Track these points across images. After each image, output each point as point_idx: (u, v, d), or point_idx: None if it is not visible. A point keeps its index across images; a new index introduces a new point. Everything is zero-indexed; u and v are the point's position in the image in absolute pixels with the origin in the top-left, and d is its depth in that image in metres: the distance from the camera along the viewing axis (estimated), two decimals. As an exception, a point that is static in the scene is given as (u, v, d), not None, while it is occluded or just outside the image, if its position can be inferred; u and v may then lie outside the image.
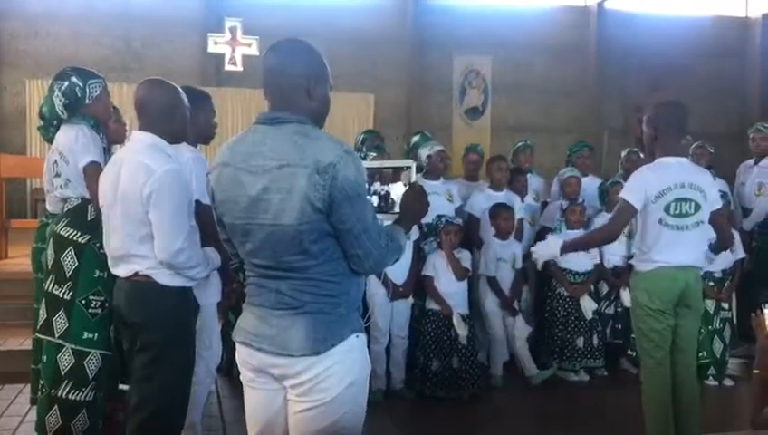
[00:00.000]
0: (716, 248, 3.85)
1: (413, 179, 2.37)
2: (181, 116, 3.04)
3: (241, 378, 2.23)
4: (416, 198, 2.34)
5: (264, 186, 2.02)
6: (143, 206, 2.85)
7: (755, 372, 2.28)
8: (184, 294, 2.98)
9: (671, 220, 3.54)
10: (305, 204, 1.96)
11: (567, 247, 3.91)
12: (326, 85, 2.18)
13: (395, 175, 2.40)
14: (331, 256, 2.05)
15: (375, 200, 2.39)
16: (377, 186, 2.41)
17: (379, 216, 2.30)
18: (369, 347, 4.91)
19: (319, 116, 2.16)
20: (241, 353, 2.20)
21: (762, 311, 2.32)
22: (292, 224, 1.98)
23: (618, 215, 3.65)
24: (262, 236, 2.05)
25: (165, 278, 2.92)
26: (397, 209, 2.37)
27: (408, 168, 2.40)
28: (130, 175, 2.90)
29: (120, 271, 3.02)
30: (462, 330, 4.89)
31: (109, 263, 3.08)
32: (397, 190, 2.39)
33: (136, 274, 2.96)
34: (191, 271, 2.93)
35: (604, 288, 5.59)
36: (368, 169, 2.35)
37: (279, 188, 1.99)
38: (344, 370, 2.07)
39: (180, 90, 3.10)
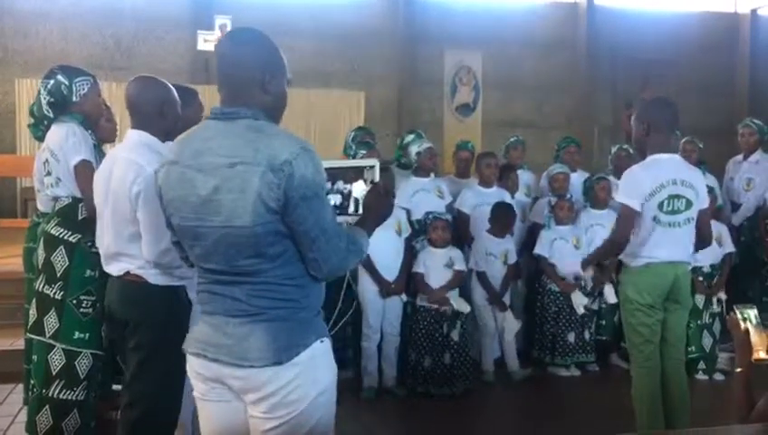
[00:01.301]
0: (695, 247, 3.78)
1: (376, 179, 2.25)
2: (173, 113, 3.03)
3: (194, 393, 2.09)
4: (379, 198, 2.21)
5: (216, 185, 1.89)
6: (132, 204, 2.84)
7: (738, 370, 2.30)
8: (175, 293, 2.97)
9: (664, 217, 3.55)
10: (259, 204, 1.84)
11: (586, 264, 4.69)
12: (283, 79, 2.05)
13: (357, 174, 2.28)
14: (289, 258, 1.92)
15: (338, 199, 2.28)
16: (340, 184, 2.29)
17: (341, 217, 2.21)
18: (360, 344, 4.98)
19: (275, 111, 2.04)
20: (193, 365, 2.05)
21: (735, 311, 2.34)
22: (246, 226, 1.86)
23: (622, 221, 3.63)
24: (213, 239, 1.92)
25: (155, 278, 2.92)
26: (357, 210, 2.25)
27: (372, 167, 2.28)
28: (121, 173, 2.90)
29: (112, 269, 3.02)
30: (463, 307, 4.89)
31: (102, 261, 3.08)
32: (358, 190, 2.28)
33: (127, 273, 2.96)
34: (179, 270, 2.93)
35: (590, 284, 5.62)
36: (330, 168, 2.24)
37: (231, 187, 1.87)
38: (310, 379, 1.94)
39: (171, 87, 3.10)
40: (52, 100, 3.59)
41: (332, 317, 2.69)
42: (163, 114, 2.98)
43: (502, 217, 5.28)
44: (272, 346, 1.90)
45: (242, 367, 1.92)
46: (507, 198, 5.59)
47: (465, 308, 4.91)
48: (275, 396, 1.92)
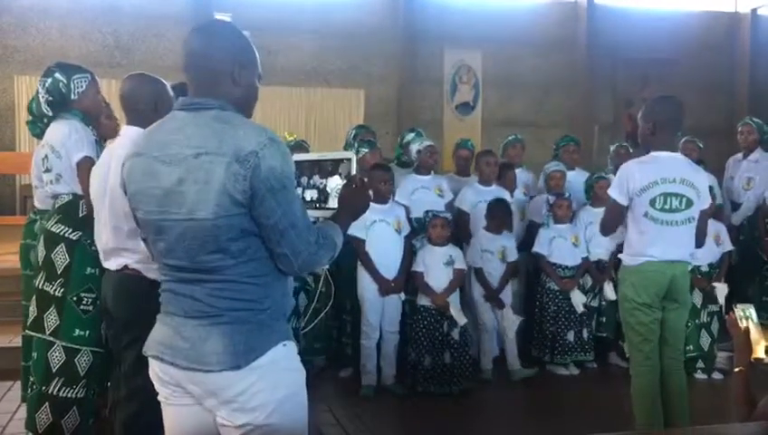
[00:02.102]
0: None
1: (353, 172, 2.17)
2: (167, 109, 3.03)
3: (159, 397, 2.03)
4: (354, 192, 2.13)
5: (180, 177, 1.83)
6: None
7: (736, 370, 2.30)
8: None
9: (657, 214, 3.55)
10: (223, 196, 1.78)
11: None
12: (254, 72, 2.00)
13: (333, 168, 2.21)
14: (252, 255, 1.86)
15: (315, 194, 2.23)
16: (316, 179, 2.22)
17: (316, 212, 2.17)
18: (360, 342, 4.98)
19: (245, 104, 1.98)
20: (153, 368, 1.99)
21: (735, 309, 2.34)
22: (208, 218, 1.80)
23: (607, 213, 3.72)
24: (176, 233, 1.86)
25: (153, 273, 2.92)
26: (333, 204, 2.18)
27: (348, 160, 2.20)
28: (117, 169, 2.90)
29: (111, 264, 3.03)
30: (460, 318, 4.88)
31: (100, 257, 3.08)
32: (333, 184, 2.21)
33: (125, 267, 2.97)
34: None
35: (588, 282, 5.62)
36: (306, 161, 2.23)
37: (195, 178, 1.81)
38: (272, 384, 1.86)
39: (164, 82, 3.11)
40: (50, 98, 3.60)
41: (307, 314, 2.65)
42: (157, 110, 2.98)
43: (497, 214, 5.28)
44: (229, 349, 1.83)
45: (199, 371, 1.85)
46: (507, 196, 5.59)
47: (462, 320, 4.90)
48: (235, 402, 1.85)
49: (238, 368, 1.83)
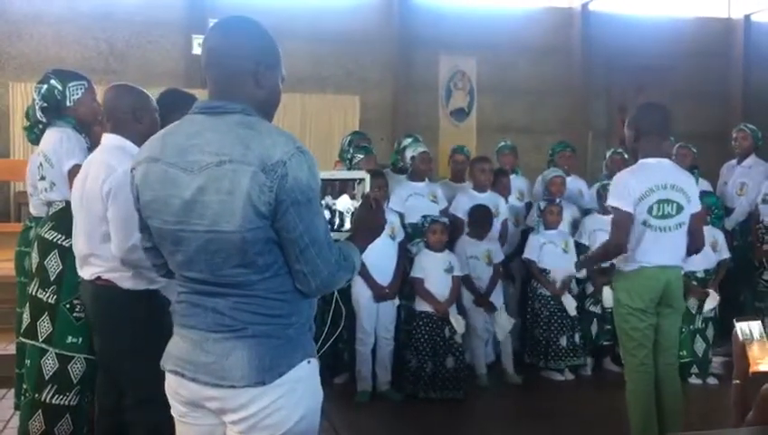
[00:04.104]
0: (687, 251, 3.75)
1: (367, 191, 2.09)
2: (149, 119, 3.06)
3: (172, 412, 1.95)
4: (370, 212, 2.03)
5: (201, 185, 1.72)
6: (103, 203, 2.88)
7: (735, 382, 2.29)
8: (148, 298, 2.95)
9: (654, 222, 3.56)
10: (248, 208, 1.68)
11: (579, 266, 4.76)
12: (278, 73, 1.88)
13: (341, 187, 2.12)
14: (278, 270, 1.76)
15: (327, 215, 2.09)
16: (329, 199, 2.11)
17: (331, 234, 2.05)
18: (354, 348, 4.96)
19: (267, 107, 1.87)
20: (171, 384, 1.89)
21: (736, 326, 2.33)
22: (234, 231, 1.70)
23: (616, 225, 3.60)
24: (196, 246, 1.76)
25: (127, 282, 2.92)
26: (346, 226, 2.09)
27: (362, 180, 2.10)
28: (94, 174, 2.96)
29: (85, 273, 3.04)
30: (460, 327, 4.89)
31: (77, 264, 3.09)
32: (342, 204, 2.11)
33: (98, 278, 2.97)
34: (150, 272, 2.92)
35: (589, 288, 5.62)
36: (321, 180, 2.11)
37: (218, 188, 1.70)
38: (293, 402, 1.78)
39: (148, 94, 3.15)
40: (45, 105, 3.61)
41: (321, 337, 2.59)
42: (137, 119, 3.02)
43: (479, 219, 5.28)
44: (255, 365, 1.74)
45: (221, 387, 1.77)
46: (501, 202, 5.60)
47: (461, 328, 4.90)
48: (254, 417, 1.77)
49: (263, 384, 1.75)
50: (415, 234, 5.26)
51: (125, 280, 2.91)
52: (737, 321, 2.33)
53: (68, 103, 3.62)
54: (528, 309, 5.56)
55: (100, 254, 2.94)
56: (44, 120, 3.62)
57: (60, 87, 3.61)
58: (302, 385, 1.82)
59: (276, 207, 1.70)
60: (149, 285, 2.93)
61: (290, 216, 1.71)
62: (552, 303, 5.41)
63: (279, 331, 1.79)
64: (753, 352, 2.23)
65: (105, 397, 3.18)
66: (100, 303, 2.97)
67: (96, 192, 2.91)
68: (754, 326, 2.29)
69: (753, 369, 2.22)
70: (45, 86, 3.61)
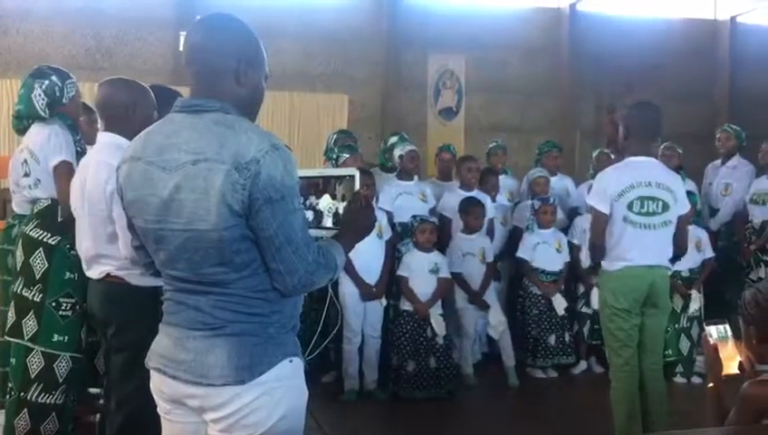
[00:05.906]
0: (673, 256, 3.75)
1: (356, 188, 2.02)
2: (142, 114, 2.99)
3: (158, 409, 1.95)
4: (360, 210, 1.98)
5: (177, 184, 1.72)
6: (107, 204, 2.86)
7: (709, 385, 2.31)
8: (156, 294, 2.96)
9: (636, 218, 3.58)
10: (222, 206, 1.67)
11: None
12: (260, 72, 1.86)
13: (324, 187, 2.07)
14: (257, 268, 1.75)
15: (311, 215, 2.06)
16: (312, 199, 2.07)
17: (316, 231, 2.04)
18: (341, 347, 4.97)
19: (249, 106, 1.85)
20: (154, 381, 1.90)
21: (705, 328, 2.34)
22: (210, 229, 1.69)
23: (592, 224, 3.71)
24: (176, 244, 1.76)
25: (136, 279, 2.91)
26: (328, 223, 2.04)
27: (352, 177, 2.03)
28: (94, 174, 2.93)
29: (93, 272, 3.02)
30: (440, 329, 4.90)
31: (83, 265, 3.08)
32: (323, 203, 2.06)
33: (108, 275, 2.95)
34: None
35: (580, 288, 5.65)
36: (308, 177, 2.08)
37: (194, 187, 1.70)
38: (274, 401, 1.76)
39: (144, 88, 3.09)
40: (48, 101, 3.59)
41: (313, 339, 2.53)
42: (131, 115, 2.98)
43: (471, 210, 5.28)
44: (233, 363, 1.73)
45: (200, 385, 1.76)
46: (488, 201, 5.62)
47: (442, 331, 4.91)
48: (233, 416, 1.75)
49: (242, 383, 1.74)
50: (405, 233, 5.26)
51: (135, 277, 2.89)
52: (706, 324, 2.34)
53: (64, 101, 3.62)
54: (518, 307, 5.59)
55: (109, 253, 2.92)
56: (47, 115, 3.59)
57: (59, 84, 3.61)
58: (284, 384, 1.80)
59: (250, 206, 1.69)
60: (157, 281, 2.92)
61: (264, 214, 1.70)
62: (542, 301, 5.44)
63: (259, 329, 1.78)
64: (725, 353, 2.24)
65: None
66: (112, 298, 2.96)
67: (99, 193, 2.88)
68: (722, 329, 2.30)
69: (725, 372, 2.23)
70: (47, 82, 3.59)
